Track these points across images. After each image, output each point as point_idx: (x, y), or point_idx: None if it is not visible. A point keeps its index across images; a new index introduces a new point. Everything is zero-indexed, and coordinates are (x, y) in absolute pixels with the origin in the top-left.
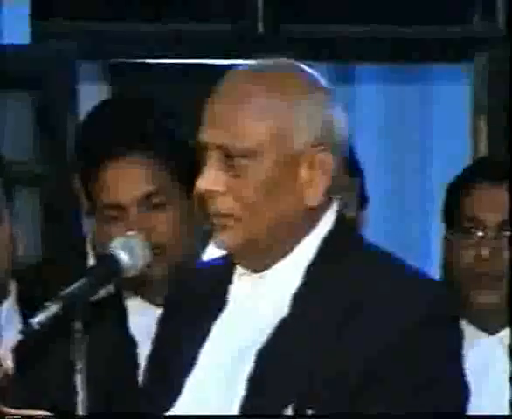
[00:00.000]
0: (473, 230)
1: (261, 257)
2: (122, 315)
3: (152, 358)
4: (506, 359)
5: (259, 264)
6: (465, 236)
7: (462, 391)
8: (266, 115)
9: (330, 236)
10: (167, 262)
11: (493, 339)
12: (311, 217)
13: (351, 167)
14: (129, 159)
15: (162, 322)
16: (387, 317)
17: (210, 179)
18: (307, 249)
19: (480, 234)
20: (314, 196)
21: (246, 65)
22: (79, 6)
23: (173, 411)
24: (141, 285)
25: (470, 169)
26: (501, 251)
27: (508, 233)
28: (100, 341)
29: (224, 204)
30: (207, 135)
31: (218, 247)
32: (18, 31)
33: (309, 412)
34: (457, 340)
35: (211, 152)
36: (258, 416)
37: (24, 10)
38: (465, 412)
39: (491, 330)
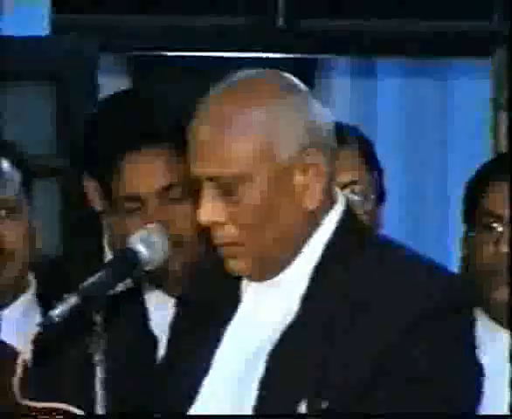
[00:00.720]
0: (492, 225)
1: (270, 268)
2: (142, 308)
3: (166, 359)
4: None
5: (268, 275)
6: (484, 231)
7: (474, 381)
8: (250, 135)
9: (335, 234)
10: (185, 254)
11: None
12: (313, 219)
13: (369, 161)
14: (148, 151)
15: (175, 323)
16: (396, 310)
17: (208, 211)
18: (313, 250)
19: (500, 229)
20: (312, 200)
21: (219, 85)
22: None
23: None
24: (160, 278)
25: (490, 165)
26: None
27: None
28: (119, 335)
29: (227, 234)
30: (197, 168)
31: (231, 272)
32: (39, 25)
33: (324, 405)
34: (469, 330)
35: (204, 183)
36: (261, 417)
37: (46, 2)
38: (477, 402)
39: (510, 325)
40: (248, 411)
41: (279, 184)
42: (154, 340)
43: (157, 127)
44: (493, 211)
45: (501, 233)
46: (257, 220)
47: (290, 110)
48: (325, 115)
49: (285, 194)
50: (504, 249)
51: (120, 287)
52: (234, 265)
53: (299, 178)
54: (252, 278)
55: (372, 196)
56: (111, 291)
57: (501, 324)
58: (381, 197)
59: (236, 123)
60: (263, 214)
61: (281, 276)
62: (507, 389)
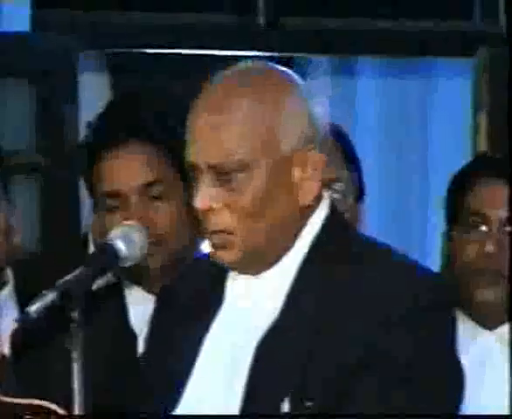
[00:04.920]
0: (477, 225)
1: (258, 263)
2: (122, 305)
3: (150, 354)
4: (503, 354)
5: (256, 270)
6: (468, 231)
7: (457, 379)
8: (253, 124)
9: (322, 232)
10: (166, 252)
11: (491, 334)
12: (304, 215)
13: (348, 159)
14: (130, 148)
15: (157, 317)
16: (380, 308)
17: (206, 197)
18: (300, 247)
19: (485, 229)
20: (308, 195)
21: (222, 74)
22: None
23: (174, 410)
24: (140, 275)
25: (474, 164)
26: (505, 247)
27: (509, 229)
28: (99, 331)
29: (221, 220)
30: (197, 156)
31: (218, 263)
32: (19, 21)
33: (308, 404)
34: (452, 329)
35: (203, 171)
36: (259, 416)
37: None
38: (459, 399)
39: (490, 326)
40: (235, 408)
41: (277, 176)
42: (133, 336)
43: (138, 124)
44: (478, 211)
45: (487, 233)
46: (253, 209)
47: (295, 104)
48: (322, 112)
49: (282, 186)
50: (490, 249)
51: (99, 284)
52: (223, 256)
53: (297, 173)
54: (238, 271)
55: (352, 194)
56: (89, 288)
57: (481, 324)
58: (360, 195)
59: (240, 112)
60: (260, 204)
61: (268, 272)
62: (507, 389)
